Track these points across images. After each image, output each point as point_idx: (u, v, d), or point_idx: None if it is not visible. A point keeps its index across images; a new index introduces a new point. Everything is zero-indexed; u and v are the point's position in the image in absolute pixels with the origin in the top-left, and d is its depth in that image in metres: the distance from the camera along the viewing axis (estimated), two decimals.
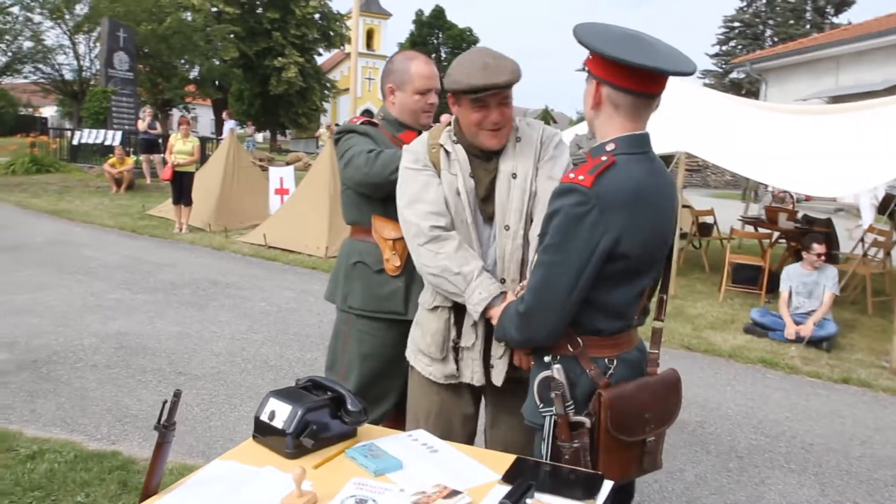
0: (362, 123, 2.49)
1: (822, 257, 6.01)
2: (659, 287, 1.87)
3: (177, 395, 1.47)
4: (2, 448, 3.22)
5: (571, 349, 1.72)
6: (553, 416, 1.70)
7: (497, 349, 2.04)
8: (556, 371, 1.69)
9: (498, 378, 2.05)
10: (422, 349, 2.13)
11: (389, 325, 2.45)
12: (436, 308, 2.08)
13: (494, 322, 1.91)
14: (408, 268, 2.38)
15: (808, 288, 6.08)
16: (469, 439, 2.19)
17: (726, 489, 3.41)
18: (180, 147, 9.80)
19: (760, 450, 3.89)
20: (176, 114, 31.83)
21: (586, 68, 1.71)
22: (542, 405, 1.73)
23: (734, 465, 3.68)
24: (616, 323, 1.74)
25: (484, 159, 2.02)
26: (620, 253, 1.63)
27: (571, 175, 1.64)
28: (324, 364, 4.66)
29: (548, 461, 1.70)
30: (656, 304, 1.88)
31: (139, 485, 2.95)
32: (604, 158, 1.64)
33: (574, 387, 1.72)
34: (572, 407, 1.69)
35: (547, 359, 1.75)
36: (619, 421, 1.67)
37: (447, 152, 2.03)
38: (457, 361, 2.08)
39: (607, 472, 1.63)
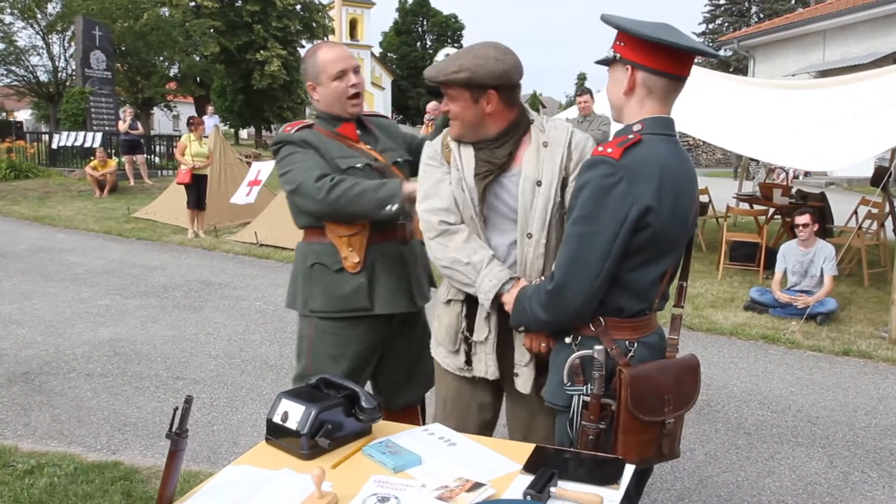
0: (298, 130, 2.35)
1: (806, 228, 6.00)
2: (679, 274, 1.89)
3: (188, 401, 1.41)
4: None
5: (593, 328, 1.74)
6: (581, 396, 1.71)
7: (521, 355, 2.01)
8: (598, 352, 1.70)
9: (525, 386, 2.03)
10: (439, 340, 2.17)
11: (356, 323, 2.37)
12: (449, 301, 2.11)
13: (508, 308, 1.90)
14: (368, 263, 2.34)
15: (803, 267, 6.09)
16: (486, 428, 2.17)
17: (737, 466, 3.41)
18: (197, 149, 9.44)
19: (768, 425, 3.89)
20: (158, 112, 31.39)
21: (618, 55, 1.74)
22: (568, 384, 1.74)
23: (743, 441, 3.68)
24: (637, 304, 1.76)
25: (493, 147, 2.02)
26: (647, 223, 1.66)
27: (600, 148, 1.69)
28: None
29: (575, 442, 1.73)
30: (676, 291, 1.90)
31: (143, 494, 2.90)
32: (630, 136, 1.70)
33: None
34: (603, 388, 1.70)
35: (568, 340, 1.78)
36: (638, 400, 1.69)
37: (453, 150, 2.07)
38: (468, 355, 2.08)
39: (626, 453, 1.66)
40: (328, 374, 2.27)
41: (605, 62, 1.80)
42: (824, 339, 5.41)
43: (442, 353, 2.17)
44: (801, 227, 6.02)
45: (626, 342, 1.75)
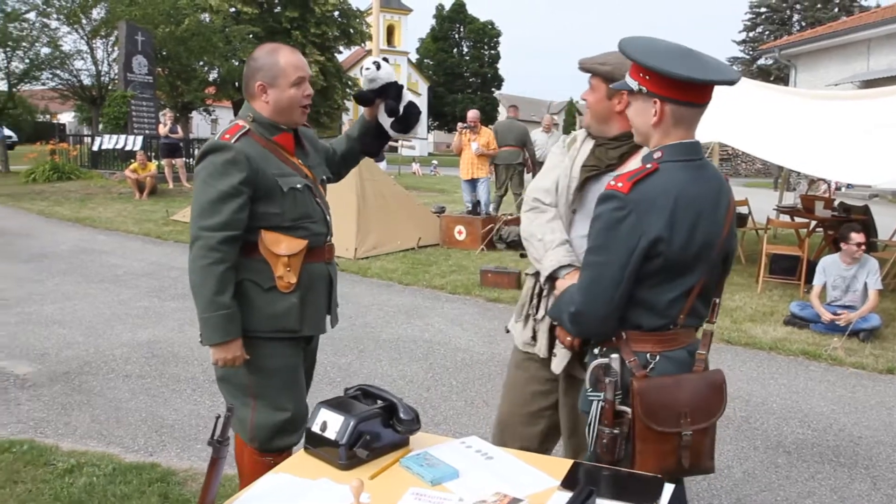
0: (238, 138, 2.18)
1: (863, 247, 5.83)
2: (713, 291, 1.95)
3: (230, 410, 1.43)
4: (39, 462, 3.19)
5: (615, 340, 1.83)
6: (600, 402, 1.80)
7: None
8: (613, 360, 1.81)
9: (557, 366, 2.22)
10: (515, 312, 2.40)
11: (285, 343, 2.29)
12: (528, 275, 2.35)
13: (557, 293, 2.10)
14: (302, 283, 2.26)
15: (846, 282, 5.92)
16: (541, 419, 2.35)
17: (776, 485, 3.33)
18: None
19: (808, 444, 3.79)
20: (197, 116, 31.82)
21: (643, 89, 1.78)
22: (591, 390, 1.84)
23: (783, 460, 3.59)
24: (657, 320, 1.82)
25: (609, 148, 2.19)
26: (658, 252, 1.75)
27: (612, 182, 1.79)
28: (357, 369, 4.68)
29: (591, 445, 1.82)
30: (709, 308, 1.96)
31: (180, 497, 2.94)
32: (648, 166, 1.78)
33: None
34: (620, 396, 1.80)
35: (596, 351, 1.89)
36: (650, 410, 1.76)
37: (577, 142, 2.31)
38: (535, 331, 2.30)
39: (643, 462, 1.76)
40: (270, 386, 2.25)
41: (627, 89, 1.84)
42: (867, 357, 5.25)
43: (517, 329, 2.37)
44: (857, 246, 5.80)
45: (647, 355, 1.82)
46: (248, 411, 2.28)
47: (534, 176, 10.10)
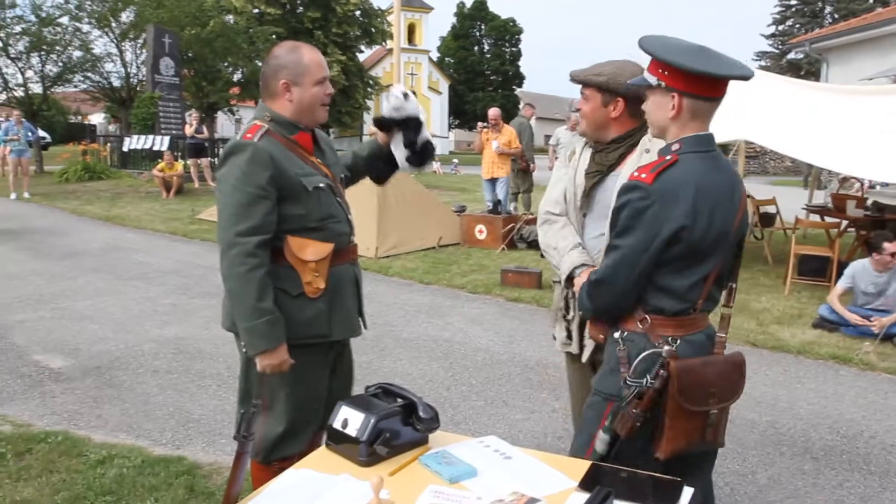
0: (260, 138, 2.15)
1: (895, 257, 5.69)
2: (728, 276, 2.05)
3: (255, 406, 1.46)
4: (73, 453, 3.30)
5: (640, 326, 1.93)
6: (639, 388, 1.85)
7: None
8: (666, 351, 1.87)
9: (585, 356, 2.40)
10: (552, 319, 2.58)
11: (309, 350, 2.24)
12: (555, 282, 2.52)
13: (576, 290, 2.25)
14: (329, 288, 2.23)
15: (878, 287, 5.78)
16: None
17: (802, 492, 3.27)
18: None
19: (837, 451, 3.72)
20: (221, 117, 32.20)
21: (662, 83, 1.86)
22: (633, 376, 1.89)
23: (809, 466, 3.53)
24: (678, 305, 1.92)
25: (608, 151, 2.35)
26: (679, 239, 1.84)
27: (635, 173, 1.88)
28: (378, 368, 4.71)
29: (609, 427, 1.89)
30: (726, 292, 2.06)
31: (205, 489, 2.99)
32: (667, 157, 1.87)
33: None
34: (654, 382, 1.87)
35: (616, 335, 1.97)
36: (685, 390, 1.84)
37: (576, 153, 2.46)
38: (569, 331, 2.45)
39: (671, 437, 1.85)
40: (287, 399, 2.21)
41: (645, 86, 1.91)
42: None
43: (557, 331, 2.52)
44: (892, 256, 5.64)
45: (669, 338, 1.91)
46: (258, 425, 2.23)
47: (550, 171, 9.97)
